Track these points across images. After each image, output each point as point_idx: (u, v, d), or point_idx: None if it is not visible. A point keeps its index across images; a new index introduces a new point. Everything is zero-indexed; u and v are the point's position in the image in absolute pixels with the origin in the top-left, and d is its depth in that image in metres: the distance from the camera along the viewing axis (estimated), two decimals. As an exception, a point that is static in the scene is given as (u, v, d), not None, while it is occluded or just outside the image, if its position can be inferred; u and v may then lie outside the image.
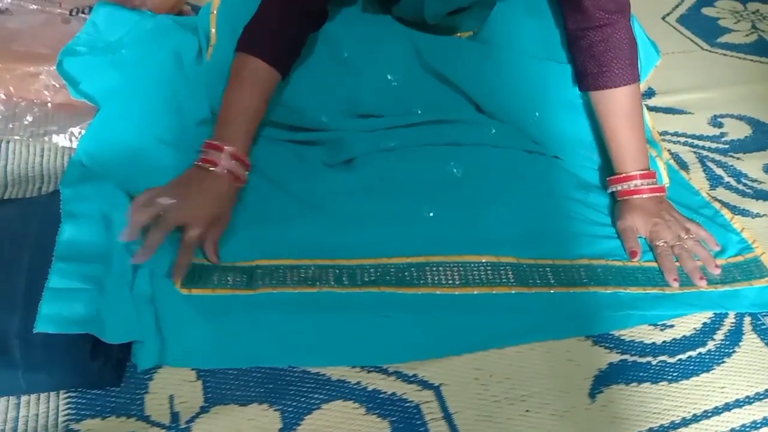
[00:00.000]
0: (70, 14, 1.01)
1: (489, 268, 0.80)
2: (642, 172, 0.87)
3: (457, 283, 0.78)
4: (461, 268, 0.80)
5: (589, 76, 0.89)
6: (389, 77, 0.95)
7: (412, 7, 0.93)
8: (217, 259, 0.77)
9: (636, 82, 0.88)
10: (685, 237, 0.84)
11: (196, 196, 0.75)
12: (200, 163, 0.78)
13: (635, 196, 0.87)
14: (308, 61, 0.91)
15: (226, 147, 0.77)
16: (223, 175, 0.77)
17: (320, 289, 0.76)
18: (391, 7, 0.97)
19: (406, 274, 0.79)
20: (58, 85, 0.94)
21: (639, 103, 0.89)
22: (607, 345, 0.76)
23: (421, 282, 0.78)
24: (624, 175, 0.88)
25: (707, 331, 0.78)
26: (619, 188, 0.88)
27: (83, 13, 1.01)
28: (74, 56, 0.92)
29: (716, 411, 0.70)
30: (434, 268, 0.79)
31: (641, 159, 0.88)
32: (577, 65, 0.92)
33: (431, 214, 0.85)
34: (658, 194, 0.87)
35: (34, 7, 1.01)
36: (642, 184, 0.87)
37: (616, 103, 0.88)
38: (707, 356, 0.76)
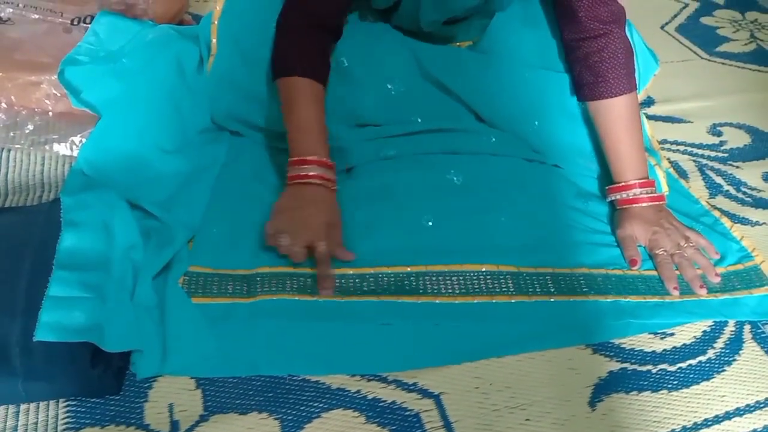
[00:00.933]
0: (72, 24, 1.01)
1: (489, 277, 0.80)
2: (641, 180, 0.87)
3: (457, 291, 0.78)
4: (461, 277, 0.80)
5: (585, 87, 0.90)
6: (389, 86, 0.95)
7: (408, 14, 0.94)
8: (352, 256, 0.79)
9: (633, 92, 0.88)
10: (685, 245, 0.84)
11: (305, 215, 0.79)
12: (294, 182, 0.81)
13: (634, 205, 0.87)
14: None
15: (310, 158, 0.81)
16: (318, 184, 0.81)
17: (320, 297, 0.76)
18: (389, 15, 0.97)
19: (405, 283, 0.79)
20: (59, 94, 0.94)
21: (637, 112, 0.89)
22: (607, 353, 0.76)
23: (421, 291, 0.78)
24: (623, 183, 0.88)
25: (707, 340, 0.78)
26: (618, 197, 0.88)
27: (85, 22, 1.01)
28: (76, 65, 0.92)
29: (716, 419, 0.70)
30: (434, 278, 0.79)
31: (640, 168, 0.88)
32: (574, 76, 0.92)
33: (430, 224, 0.85)
34: (657, 203, 0.87)
35: (36, 16, 1.01)
36: (641, 193, 0.87)
37: (613, 112, 0.88)
38: (707, 365, 0.76)
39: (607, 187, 0.90)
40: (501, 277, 0.80)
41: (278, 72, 0.86)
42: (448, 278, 0.80)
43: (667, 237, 0.84)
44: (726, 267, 0.86)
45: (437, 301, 0.77)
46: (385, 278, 0.79)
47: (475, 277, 0.80)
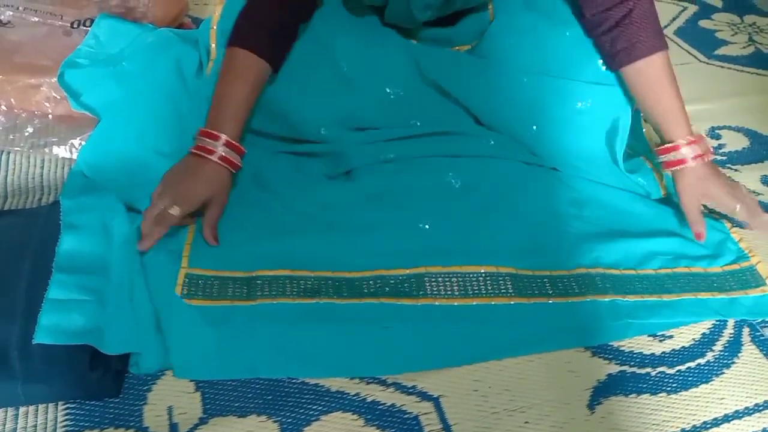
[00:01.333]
0: (72, 26, 1.02)
1: (488, 278, 0.80)
2: (690, 139, 0.86)
3: (456, 293, 0.78)
4: (460, 279, 0.80)
5: (621, 53, 0.87)
6: (388, 90, 0.95)
7: (400, 9, 0.93)
8: (215, 242, 0.79)
9: (667, 50, 0.86)
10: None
11: (186, 180, 0.78)
12: (196, 151, 0.80)
13: (694, 164, 0.85)
14: (307, 74, 0.92)
15: (221, 135, 0.80)
16: (218, 161, 0.80)
17: (319, 300, 0.76)
18: (382, 12, 0.97)
19: (405, 285, 0.79)
20: (59, 97, 0.94)
21: (672, 70, 0.87)
22: (607, 356, 0.76)
23: (420, 293, 0.78)
24: (672, 144, 0.86)
25: (706, 342, 0.78)
26: (669, 158, 0.87)
27: (85, 25, 1.02)
28: (75, 68, 0.92)
29: (715, 422, 0.70)
30: (433, 279, 0.80)
31: (687, 125, 0.86)
32: (605, 49, 0.89)
33: (427, 227, 0.85)
34: (709, 160, 0.86)
35: (36, 19, 1.02)
36: (695, 152, 0.85)
37: (653, 69, 0.86)
38: (706, 367, 0.76)
39: (656, 149, 0.88)
40: (500, 278, 0.81)
41: (230, 39, 0.85)
42: (447, 279, 0.80)
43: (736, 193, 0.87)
44: (722, 266, 0.86)
45: (436, 303, 0.77)
46: (384, 280, 0.79)
47: (474, 279, 0.80)
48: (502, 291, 0.79)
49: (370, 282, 0.79)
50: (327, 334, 0.73)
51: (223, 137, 0.80)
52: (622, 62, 0.87)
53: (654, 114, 0.88)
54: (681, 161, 0.86)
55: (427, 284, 0.79)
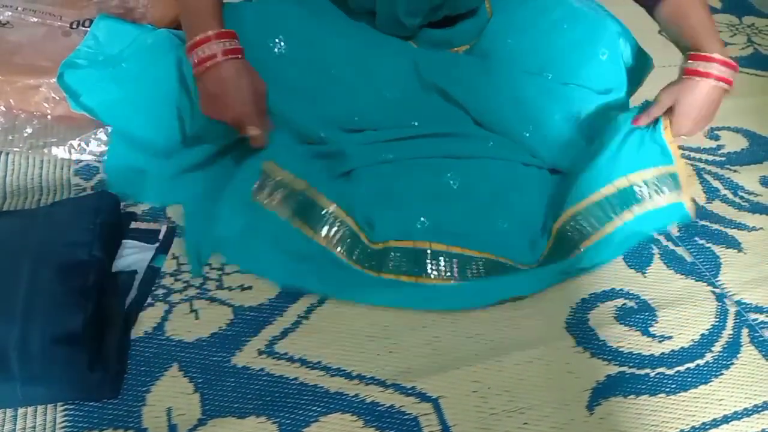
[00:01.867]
0: (71, 27, 1.01)
1: (487, 264, 0.83)
2: (726, 60, 0.83)
3: (457, 276, 0.82)
4: (459, 261, 0.82)
5: None
6: (385, 92, 0.95)
7: (387, 15, 0.93)
8: (272, 125, 0.84)
9: None
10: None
11: (230, 96, 0.79)
12: (202, 66, 0.79)
13: (712, 81, 0.83)
14: (307, 78, 0.92)
15: (208, 33, 0.78)
16: (227, 59, 0.78)
17: (328, 247, 0.81)
18: (373, 19, 0.97)
19: (406, 260, 0.82)
20: (58, 98, 0.94)
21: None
22: (606, 357, 0.76)
23: (420, 271, 0.81)
24: (705, 54, 0.83)
25: (705, 343, 0.79)
26: (697, 66, 0.84)
27: (84, 26, 1.01)
28: (75, 69, 0.92)
29: (714, 423, 0.70)
30: (434, 259, 0.82)
31: (722, 43, 0.85)
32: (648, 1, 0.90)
33: (426, 225, 0.85)
34: (727, 86, 0.84)
35: (35, 20, 1.01)
36: (721, 72, 0.83)
37: None
38: (705, 368, 0.76)
39: (688, 53, 0.86)
40: (499, 266, 0.83)
41: None
42: (447, 260, 0.82)
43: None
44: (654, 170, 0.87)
45: (434, 284, 0.81)
46: (390, 253, 0.82)
47: (473, 263, 0.82)
48: (500, 273, 0.83)
49: (379, 252, 0.82)
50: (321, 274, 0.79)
51: (211, 33, 0.78)
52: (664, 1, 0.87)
53: (688, 36, 0.86)
54: (706, 74, 0.83)
55: (428, 263, 0.82)
